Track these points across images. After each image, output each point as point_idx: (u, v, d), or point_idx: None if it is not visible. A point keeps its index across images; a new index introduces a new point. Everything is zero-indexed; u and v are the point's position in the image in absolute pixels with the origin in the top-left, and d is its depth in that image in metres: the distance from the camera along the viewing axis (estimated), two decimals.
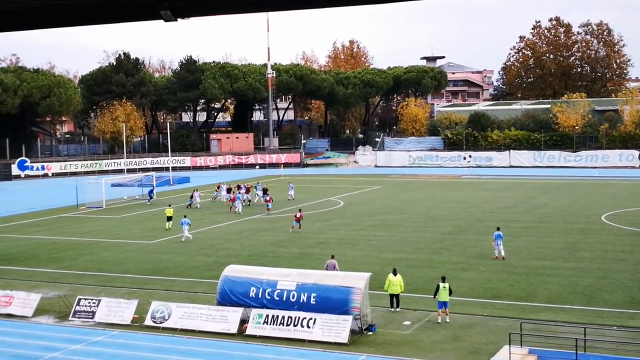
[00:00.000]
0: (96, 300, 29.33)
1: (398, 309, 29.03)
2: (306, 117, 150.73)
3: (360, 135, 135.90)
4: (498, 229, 39.82)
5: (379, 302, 29.15)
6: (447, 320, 27.39)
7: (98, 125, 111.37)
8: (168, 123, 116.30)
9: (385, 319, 27.71)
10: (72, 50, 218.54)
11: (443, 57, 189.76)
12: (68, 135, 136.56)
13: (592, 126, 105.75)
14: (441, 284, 27.80)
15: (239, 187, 64.43)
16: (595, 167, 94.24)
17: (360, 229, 49.49)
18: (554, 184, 77.31)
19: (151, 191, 69.44)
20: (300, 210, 50.78)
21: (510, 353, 23.11)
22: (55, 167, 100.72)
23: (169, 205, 55.50)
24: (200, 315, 27.56)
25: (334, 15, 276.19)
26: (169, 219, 51.67)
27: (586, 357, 22.61)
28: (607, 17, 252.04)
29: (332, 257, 33.54)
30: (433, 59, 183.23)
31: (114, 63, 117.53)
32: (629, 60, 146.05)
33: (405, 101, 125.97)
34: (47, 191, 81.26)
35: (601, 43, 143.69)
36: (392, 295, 29.31)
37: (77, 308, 29.19)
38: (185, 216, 48.86)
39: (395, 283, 29.16)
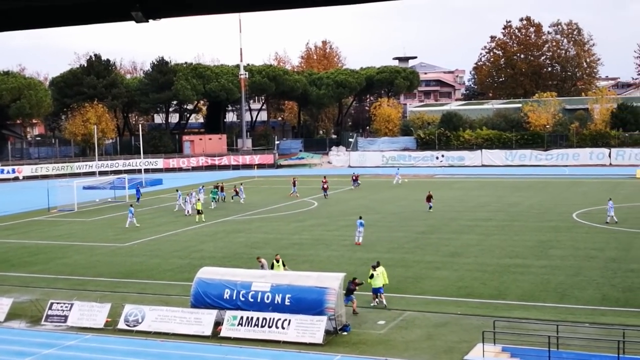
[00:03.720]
0: (68, 304, 29.07)
1: (384, 301, 29.58)
2: (279, 118, 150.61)
3: (334, 136, 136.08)
4: (360, 217, 44.20)
5: None
6: (385, 303, 28.92)
7: (69, 128, 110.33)
8: (140, 125, 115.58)
9: (359, 319, 27.77)
10: (43, 52, 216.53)
11: (415, 57, 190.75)
12: (39, 138, 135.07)
13: (563, 125, 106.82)
14: (374, 272, 29.19)
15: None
16: (566, 166, 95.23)
17: (334, 229, 49.56)
18: (525, 183, 77.99)
19: (138, 190, 69.63)
20: (430, 191, 58.98)
21: (483, 351, 23.28)
22: (26, 170, 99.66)
23: (198, 200, 58.24)
24: (174, 317, 27.43)
25: (306, 16, 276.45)
26: (199, 212, 55.29)
27: (559, 354, 22.82)
28: (577, 17, 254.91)
29: (259, 258, 34.10)
30: (405, 59, 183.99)
31: (85, 65, 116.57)
32: (598, 60, 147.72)
33: (378, 101, 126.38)
34: (18, 194, 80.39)
35: (571, 42, 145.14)
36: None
37: (50, 312, 28.92)
38: (131, 205, 53.79)
39: (378, 275, 29.81)
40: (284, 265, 33.07)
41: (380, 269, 30.09)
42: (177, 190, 65.27)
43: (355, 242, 43.22)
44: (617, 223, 47.41)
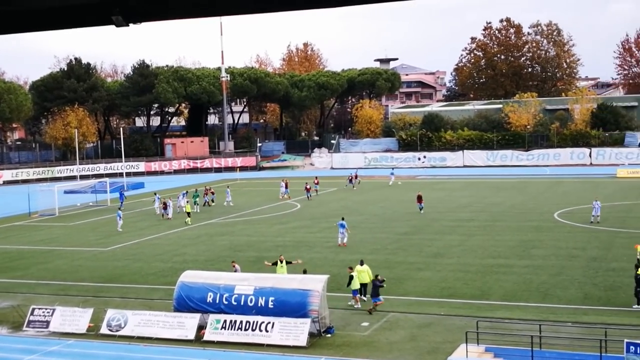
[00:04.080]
0: (50, 309, 28.87)
1: (365, 298, 30.20)
2: (261, 120, 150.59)
3: (316, 138, 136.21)
4: (342, 218, 44.21)
5: (337, 304, 29.26)
6: (359, 305, 29.51)
7: (50, 132, 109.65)
8: (121, 128, 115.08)
9: (343, 321, 27.79)
10: (22, 56, 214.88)
11: (396, 59, 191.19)
12: (19, 142, 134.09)
13: (544, 125, 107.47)
14: (353, 274, 29.60)
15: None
16: (547, 166, 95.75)
17: (317, 231, 49.57)
18: (507, 183, 78.35)
19: (122, 194, 69.01)
20: (420, 192, 58.26)
21: (467, 351, 23.36)
22: (7, 174, 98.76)
23: (187, 202, 58.63)
24: (157, 322, 27.31)
25: (287, 18, 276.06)
26: (189, 214, 55.41)
27: (542, 354, 22.94)
28: (557, 17, 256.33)
29: (233, 263, 33.68)
30: (386, 60, 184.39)
31: (65, 68, 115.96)
32: (578, 60, 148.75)
33: (360, 103, 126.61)
34: None
35: (551, 43, 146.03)
36: (361, 285, 30.57)
37: (31, 318, 28.70)
38: (120, 208, 54.45)
39: (363, 272, 30.62)
40: (288, 263, 32.77)
41: (365, 268, 30.81)
42: (155, 194, 64.80)
43: (339, 243, 43.24)
44: (599, 223, 47.73)
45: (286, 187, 70.01)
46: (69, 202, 70.18)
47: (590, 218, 48.69)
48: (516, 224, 49.87)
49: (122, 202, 67.04)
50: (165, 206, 58.55)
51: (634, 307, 28.20)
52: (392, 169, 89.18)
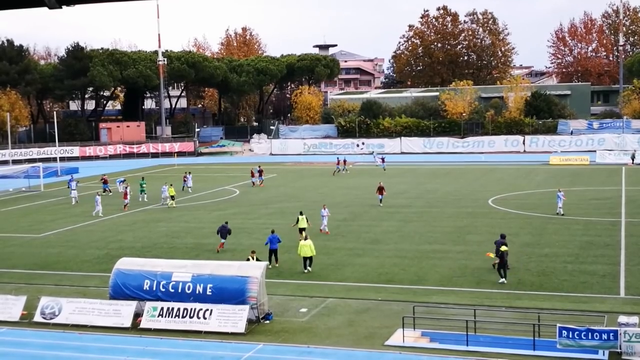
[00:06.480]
0: None
1: (310, 269, 32.80)
2: (199, 105, 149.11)
3: (255, 123, 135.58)
4: (324, 206, 44.35)
5: (275, 291, 29.30)
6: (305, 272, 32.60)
7: None
8: (55, 112, 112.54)
9: (282, 307, 27.83)
10: None
11: (335, 45, 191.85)
12: None
13: (479, 113, 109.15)
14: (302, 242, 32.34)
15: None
16: (482, 153, 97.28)
17: (256, 218, 49.45)
18: (443, 170, 79.38)
19: (71, 180, 66.78)
20: (380, 182, 56.32)
21: (404, 336, 23.71)
22: None
23: (171, 185, 57.05)
24: (93, 310, 26.93)
25: (225, 2, 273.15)
26: (172, 197, 55.08)
27: (476, 338, 23.41)
28: (492, 6, 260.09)
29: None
30: (325, 47, 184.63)
31: None
32: (513, 49, 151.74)
33: (299, 89, 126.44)
34: None
35: (487, 32, 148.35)
36: (305, 258, 32.68)
37: None
38: (98, 193, 54.64)
39: (305, 246, 32.56)
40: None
41: (308, 242, 32.88)
42: (73, 181, 62.76)
43: (321, 229, 42.85)
44: (557, 214, 46.42)
45: (260, 175, 68.94)
46: (0, 187, 68.45)
47: (557, 209, 46.87)
48: (452, 210, 50.59)
49: (71, 188, 64.89)
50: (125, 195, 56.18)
51: (499, 281, 30.28)
52: (374, 153, 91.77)
